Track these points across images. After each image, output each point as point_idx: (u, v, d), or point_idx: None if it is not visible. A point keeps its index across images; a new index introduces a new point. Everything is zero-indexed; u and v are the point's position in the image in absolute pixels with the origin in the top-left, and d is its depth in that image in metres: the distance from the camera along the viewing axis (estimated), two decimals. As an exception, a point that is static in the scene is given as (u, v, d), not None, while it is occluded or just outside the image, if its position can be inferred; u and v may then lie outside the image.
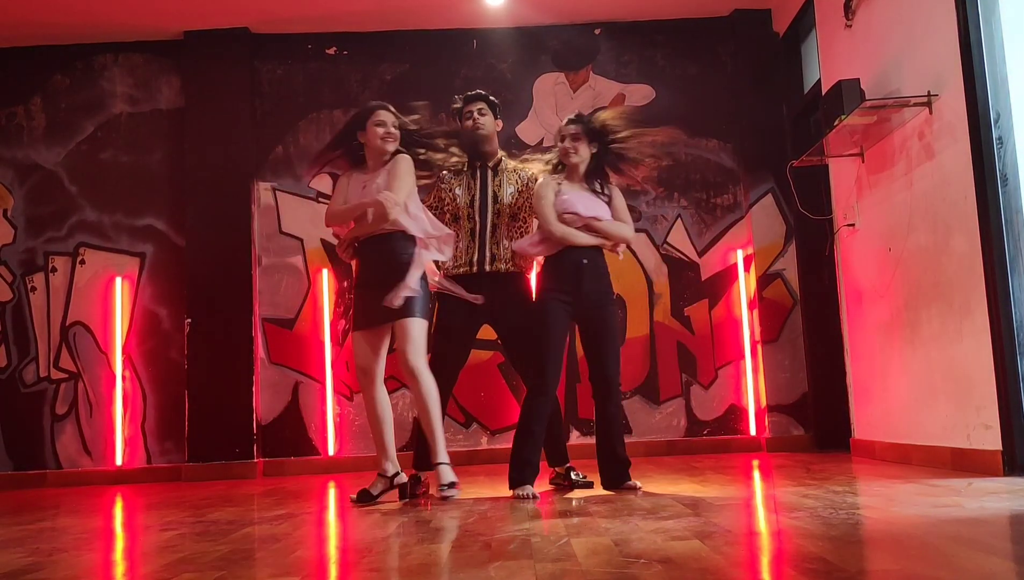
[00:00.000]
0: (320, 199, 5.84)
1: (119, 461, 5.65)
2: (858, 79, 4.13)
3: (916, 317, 4.02)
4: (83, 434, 5.69)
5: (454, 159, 3.93)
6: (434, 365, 3.74)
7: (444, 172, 3.97)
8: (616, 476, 3.65)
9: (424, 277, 3.63)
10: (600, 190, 3.78)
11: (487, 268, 3.88)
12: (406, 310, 3.53)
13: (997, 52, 3.51)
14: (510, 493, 3.56)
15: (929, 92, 3.78)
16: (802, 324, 5.67)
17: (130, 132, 5.98)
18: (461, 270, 3.90)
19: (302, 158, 5.87)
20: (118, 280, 5.81)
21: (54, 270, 5.84)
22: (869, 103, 3.98)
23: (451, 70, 5.99)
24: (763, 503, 3.09)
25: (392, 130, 3.69)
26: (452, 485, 3.53)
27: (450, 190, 3.99)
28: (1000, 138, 3.48)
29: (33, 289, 5.82)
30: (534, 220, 3.92)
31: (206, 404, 5.61)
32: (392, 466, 3.65)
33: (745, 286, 5.83)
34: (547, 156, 4.00)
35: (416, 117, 3.85)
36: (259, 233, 5.86)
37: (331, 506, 3.76)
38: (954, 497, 2.86)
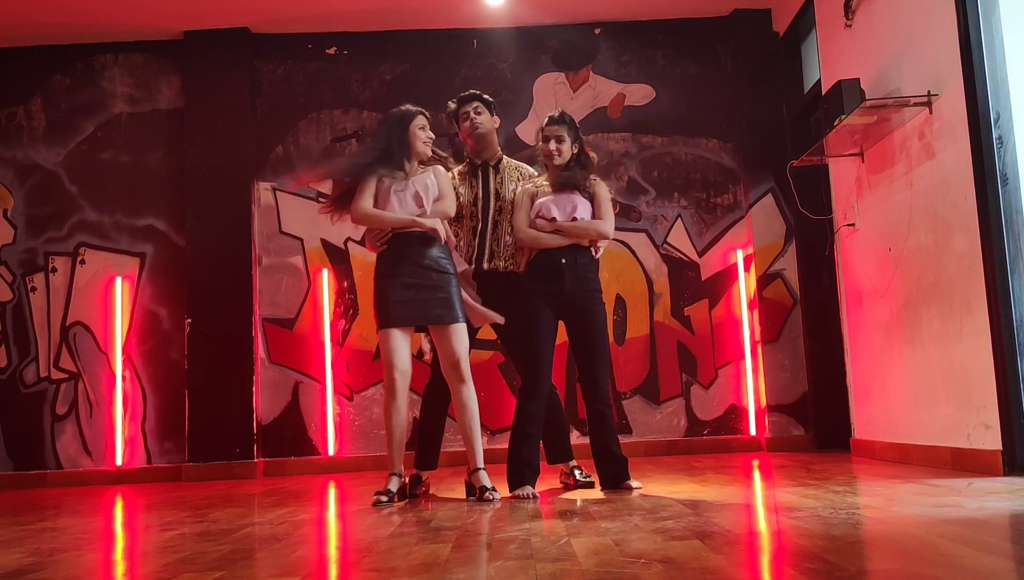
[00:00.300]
0: (320, 199, 5.83)
1: (119, 461, 5.65)
2: (858, 79, 4.13)
3: (916, 317, 4.01)
4: (83, 434, 5.69)
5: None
6: (435, 365, 3.73)
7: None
8: (614, 475, 3.64)
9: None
10: (582, 187, 3.77)
11: (485, 266, 3.89)
12: (459, 314, 3.57)
13: (997, 52, 3.51)
14: (510, 494, 3.55)
15: (929, 92, 3.78)
16: (802, 324, 5.67)
17: (130, 132, 5.98)
18: (463, 268, 3.90)
19: (302, 158, 5.88)
20: (118, 280, 5.81)
21: (54, 270, 5.84)
22: (869, 103, 3.98)
23: (451, 70, 5.99)
24: (763, 503, 3.09)
25: (432, 135, 3.74)
26: (494, 488, 3.54)
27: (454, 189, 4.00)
28: (1000, 138, 3.48)
29: (33, 289, 5.82)
30: None
31: (206, 404, 5.61)
32: (401, 466, 3.66)
33: (745, 286, 5.83)
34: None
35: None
36: (259, 233, 5.86)
37: (331, 506, 3.76)
38: (954, 497, 2.86)
